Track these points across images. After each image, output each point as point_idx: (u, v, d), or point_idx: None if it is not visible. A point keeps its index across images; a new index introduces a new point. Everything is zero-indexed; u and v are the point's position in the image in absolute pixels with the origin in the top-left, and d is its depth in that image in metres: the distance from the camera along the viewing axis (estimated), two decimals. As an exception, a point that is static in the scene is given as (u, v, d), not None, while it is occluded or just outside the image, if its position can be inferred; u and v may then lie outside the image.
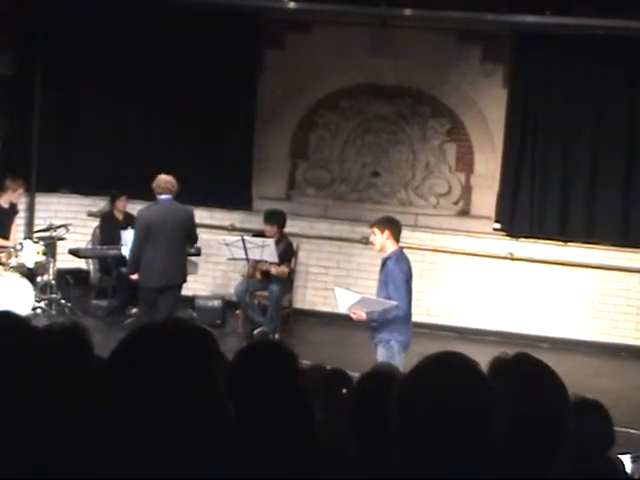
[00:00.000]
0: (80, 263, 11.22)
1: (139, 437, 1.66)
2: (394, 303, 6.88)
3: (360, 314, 7.01)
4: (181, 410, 1.67)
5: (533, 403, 2.08)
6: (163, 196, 8.50)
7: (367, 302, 7.10)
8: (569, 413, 2.13)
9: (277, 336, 9.81)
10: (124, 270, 9.64)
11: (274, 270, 9.90)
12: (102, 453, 1.83)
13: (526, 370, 2.18)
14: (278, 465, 2.38)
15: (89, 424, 2.20)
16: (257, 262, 9.86)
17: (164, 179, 8.52)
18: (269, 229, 10.01)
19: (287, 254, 10.14)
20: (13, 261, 9.63)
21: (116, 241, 10.47)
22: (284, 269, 10.05)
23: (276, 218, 10.05)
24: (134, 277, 8.68)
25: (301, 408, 2.65)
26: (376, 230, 7.15)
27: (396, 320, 6.95)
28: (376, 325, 7.04)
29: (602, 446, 3.53)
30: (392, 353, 6.94)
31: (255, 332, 9.83)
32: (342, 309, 7.14)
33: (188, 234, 8.80)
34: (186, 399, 1.67)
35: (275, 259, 9.69)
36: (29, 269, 9.78)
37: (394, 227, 7.18)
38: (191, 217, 8.77)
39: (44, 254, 9.95)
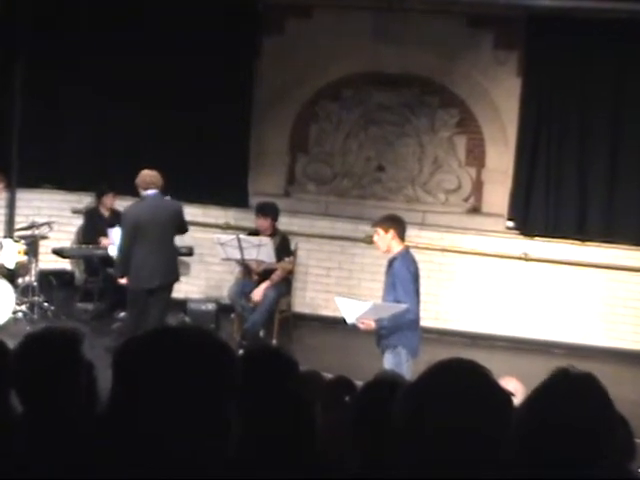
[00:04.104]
0: (64, 263, 11.23)
1: (143, 446, 1.67)
2: (404, 306, 6.85)
3: (369, 323, 6.90)
4: (188, 426, 1.66)
5: (580, 421, 2.07)
6: (149, 191, 8.51)
7: (378, 308, 7.00)
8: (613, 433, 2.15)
9: (274, 341, 9.82)
10: (111, 271, 9.64)
11: (277, 277, 9.85)
12: (90, 462, 1.84)
13: (579, 390, 2.15)
14: (277, 476, 2.39)
15: (76, 431, 2.22)
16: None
17: (148, 173, 8.54)
18: (262, 223, 9.98)
19: (284, 248, 10.10)
20: (-8, 261, 9.65)
21: (98, 240, 10.51)
22: (286, 265, 10.02)
23: (269, 210, 10.03)
24: (123, 281, 8.66)
25: (301, 417, 2.66)
26: (380, 230, 7.13)
27: (407, 325, 6.91)
28: (385, 332, 7.00)
29: (622, 459, 3.53)
30: (399, 360, 6.92)
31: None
32: (349, 320, 6.97)
33: (178, 228, 8.82)
34: (194, 418, 1.66)
35: (273, 259, 9.68)
36: (9, 270, 9.79)
37: (398, 225, 7.17)
38: (180, 211, 8.80)
39: (25, 254, 9.96)
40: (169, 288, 8.75)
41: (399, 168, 11.41)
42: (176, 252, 9.07)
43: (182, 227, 8.96)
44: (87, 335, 9.16)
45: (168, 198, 8.79)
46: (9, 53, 11.23)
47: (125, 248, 8.56)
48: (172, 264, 8.76)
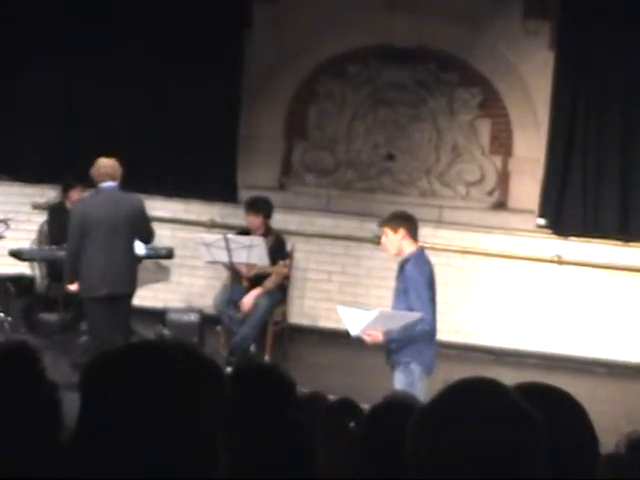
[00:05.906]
0: (23, 267, 11.23)
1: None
2: (417, 315, 6.84)
3: (376, 335, 6.89)
4: (169, 457, 1.67)
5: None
6: (103, 184, 8.51)
7: (386, 318, 7.00)
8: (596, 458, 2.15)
9: (267, 357, 9.83)
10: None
11: (270, 283, 9.85)
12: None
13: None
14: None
15: (36, 456, 2.23)
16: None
17: (103, 163, 8.53)
18: (253, 220, 9.99)
19: (279, 250, 10.10)
20: (-59, 265, 9.67)
21: (64, 240, 10.52)
22: (281, 269, 10.03)
23: (261, 206, 10.04)
24: (73, 287, 8.63)
25: (300, 444, 2.67)
26: (388, 230, 7.12)
27: (421, 336, 6.92)
28: (395, 346, 7.01)
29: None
30: (412, 379, 6.94)
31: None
32: (354, 332, 6.96)
33: (137, 230, 8.75)
34: (176, 447, 1.66)
35: (265, 262, 9.70)
36: (-40, 275, 9.82)
37: (409, 223, 7.17)
38: (140, 208, 8.72)
39: (-21, 256, 9.98)
40: (125, 299, 8.68)
41: (412, 157, 11.43)
42: (134, 257, 8.94)
43: (145, 229, 8.84)
44: (50, 350, 9.10)
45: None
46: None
47: (72, 250, 8.55)
48: (126, 271, 8.61)
